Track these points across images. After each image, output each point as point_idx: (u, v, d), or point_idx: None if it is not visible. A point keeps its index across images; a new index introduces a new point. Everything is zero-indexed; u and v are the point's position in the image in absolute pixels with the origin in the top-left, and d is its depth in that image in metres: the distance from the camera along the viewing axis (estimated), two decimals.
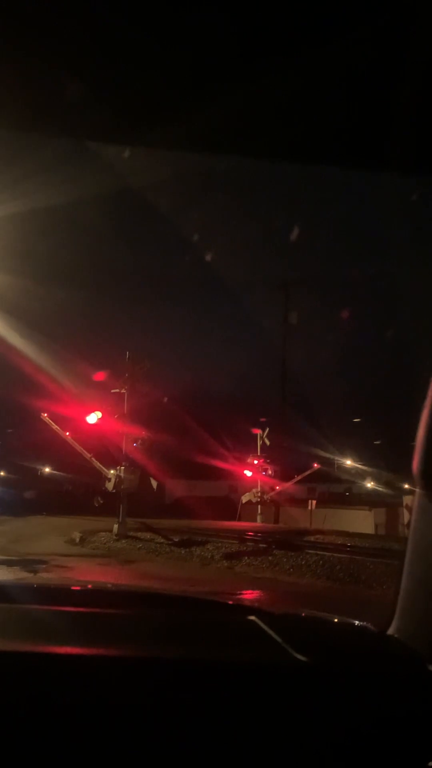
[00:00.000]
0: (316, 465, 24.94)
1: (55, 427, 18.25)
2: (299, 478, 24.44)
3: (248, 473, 24.07)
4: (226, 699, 1.13)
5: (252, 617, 1.53)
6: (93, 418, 16.62)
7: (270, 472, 24.50)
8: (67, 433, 18.03)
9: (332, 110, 1.25)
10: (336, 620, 1.72)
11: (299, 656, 1.26)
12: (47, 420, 18.29)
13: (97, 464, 17.51)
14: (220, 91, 1.23)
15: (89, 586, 2.25)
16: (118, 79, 1.22)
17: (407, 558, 1.39)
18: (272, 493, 24.16)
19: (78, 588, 2.15)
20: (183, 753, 1.06)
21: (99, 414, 16.62)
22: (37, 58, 1.15)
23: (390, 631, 1.42)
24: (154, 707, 1.11)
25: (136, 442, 17.20)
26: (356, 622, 1.63)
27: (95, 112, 1.33)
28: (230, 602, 2.00)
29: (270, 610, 1.65)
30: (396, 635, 1.40)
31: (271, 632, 1.40)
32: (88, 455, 17.80)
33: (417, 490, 1.33)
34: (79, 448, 17.92)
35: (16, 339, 16.19)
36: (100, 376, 17.79)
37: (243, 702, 1.12)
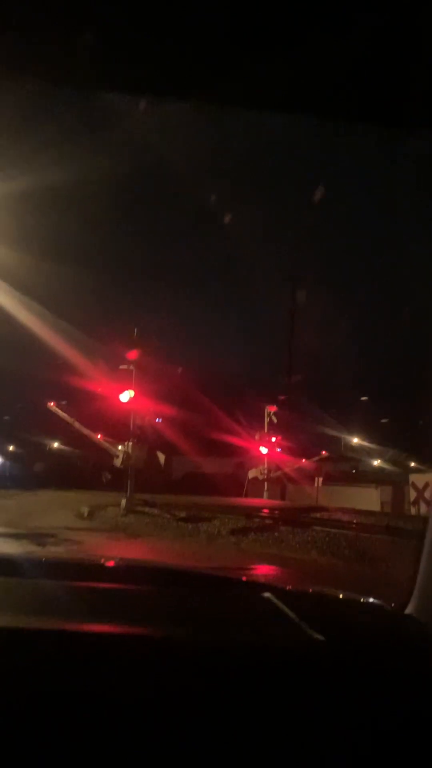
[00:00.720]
0: (324, 453, 24.98)
1: (62, 414, 18.38)
2: (310, 461, 24.47)
3: (264, 450, 24.12)
4: (243, 679, 1.10)
5: (267, 594, 1.51)
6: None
7: (284, 449, 24.58)
8: (75, 420, 18.16)
9: (355, 68, 1.21)
10: (351, 598, 1.69)
11: (316, 635, 1.23)
12: (54, 409, 18.42)
13: (106, 444, 17.60)
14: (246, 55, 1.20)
15: (99, 561, 2.24)
16: (137, 47, 1.18)
17: (427, 537, 1.36)
18: (283, 471, 24.24)
19: (87, 562, 2.13)
20: (198, 736, 1.03)
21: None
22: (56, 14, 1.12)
23: (408, 611, 1.39)
24: (170, 687, 1.08)
25: (143, 418, 17.24)
26: (372, 601, 1.61)
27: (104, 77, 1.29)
28: (244, 579, 1.98)
29: (284, 587, 1.63)
30: (414, 615, 1.38)
31: (287, 610, 1.38)
32: (96, 438, 17.88)
33: None
34: (86, 431, 18.06)
35: (23, 314, 16.10)
36: (108, 352, 17.84)
37: (260, 682, 1.10)
